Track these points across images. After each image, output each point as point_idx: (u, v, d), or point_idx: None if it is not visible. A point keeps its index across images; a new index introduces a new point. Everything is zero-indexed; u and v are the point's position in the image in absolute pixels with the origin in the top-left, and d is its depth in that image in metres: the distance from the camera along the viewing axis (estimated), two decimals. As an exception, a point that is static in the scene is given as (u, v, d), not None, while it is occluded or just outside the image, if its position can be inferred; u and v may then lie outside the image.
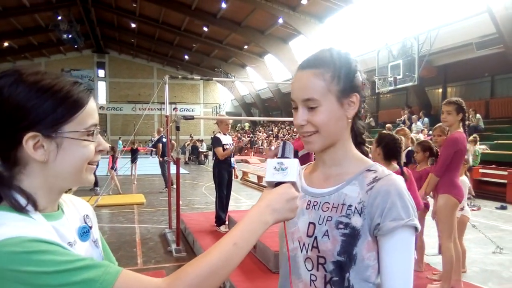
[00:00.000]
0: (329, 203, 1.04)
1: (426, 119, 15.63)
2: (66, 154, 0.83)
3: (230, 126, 6.49)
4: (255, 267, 4.50)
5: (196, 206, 9.43)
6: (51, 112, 0.80)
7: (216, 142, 6.31)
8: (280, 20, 20.23)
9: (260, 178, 12.50)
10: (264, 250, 4.52)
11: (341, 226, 0.99)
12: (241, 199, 10.44)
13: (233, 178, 6.56)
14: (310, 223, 1.04)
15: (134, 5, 24.24)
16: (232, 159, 6.43)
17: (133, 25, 28.21)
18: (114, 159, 11.36)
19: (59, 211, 0.89)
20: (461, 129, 3.79)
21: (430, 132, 14.86)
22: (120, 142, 23.79)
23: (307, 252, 1.03)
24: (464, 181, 4.70)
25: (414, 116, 15.68)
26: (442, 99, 17.77)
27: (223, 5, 20.53)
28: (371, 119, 19.73)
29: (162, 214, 8.23)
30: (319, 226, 1.02)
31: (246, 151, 28.25)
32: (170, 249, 5.79)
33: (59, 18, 25.10)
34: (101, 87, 38.06)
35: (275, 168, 0.95)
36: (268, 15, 20.97)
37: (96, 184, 11.07)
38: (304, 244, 1.04)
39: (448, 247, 3.79)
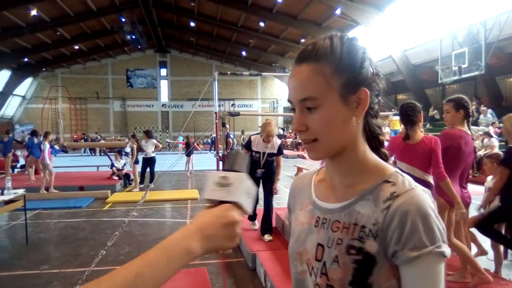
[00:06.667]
0: (340, 222, 0.86)
1: (489, 111, 14.49)
2: None
3: (272, 135, 5.49)
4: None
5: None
6: None
7: (245, 143, 5.78)
8: (338, 11, 19.64)
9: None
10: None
11: (352, 251, 0.82)
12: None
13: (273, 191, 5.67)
14: (318, 244, 0.88)
15: (192, 4, 24.81)
16: (259, 171, 5.55)
17: (192, 24, 28.92)
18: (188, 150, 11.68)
19: None
20: (463, 127, 3.60)
21: (501, 125, 13.81)
22: (181, 138, 24.69)
23: (316, 278, 0.87)
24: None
25: (483, 108, 14.56)
26: (515, 89, 16.44)
27: (279, 0, 20.37)
28: (436, 111, 18.63)
29: (214, 209, 8.30)
30: (328, 250, 0.85)
31: (302, 146, 28.07)
32: (217, 245, 5.77)
33: (123, 20, 26.38)
34: (164, 85, 39.52)
35: (217, 183, 0.78)
36: (325, 7, 20.48)
37: (151, 179, 11.44)
38: (313, 268, 0.88)
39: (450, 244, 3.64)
